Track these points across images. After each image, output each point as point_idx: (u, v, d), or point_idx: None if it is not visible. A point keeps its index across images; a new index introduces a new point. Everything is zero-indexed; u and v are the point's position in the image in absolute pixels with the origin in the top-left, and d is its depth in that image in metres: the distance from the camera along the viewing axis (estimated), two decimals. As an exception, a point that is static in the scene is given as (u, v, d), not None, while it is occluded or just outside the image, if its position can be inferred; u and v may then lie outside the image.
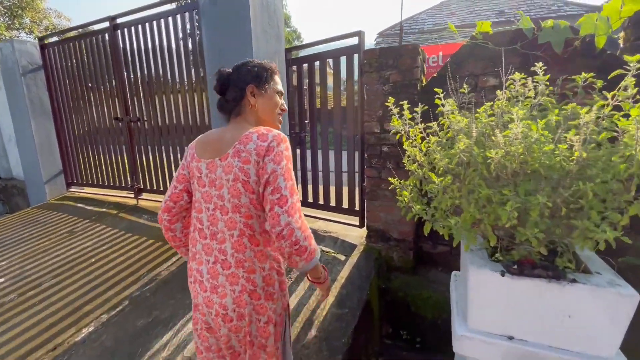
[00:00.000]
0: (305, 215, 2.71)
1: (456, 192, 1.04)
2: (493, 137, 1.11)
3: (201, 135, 1.07)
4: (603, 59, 1.85)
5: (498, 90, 1.28)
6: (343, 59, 2.67)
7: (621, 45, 1.91)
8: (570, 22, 1.86)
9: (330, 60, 2.77)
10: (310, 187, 3.20)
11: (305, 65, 3.04)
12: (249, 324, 0.97)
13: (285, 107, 1.12)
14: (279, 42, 2.81)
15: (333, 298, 2.08)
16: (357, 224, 2.84)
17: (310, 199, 3.21)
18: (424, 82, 2.37)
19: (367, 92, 2.42)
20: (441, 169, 1.16)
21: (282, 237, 0.86)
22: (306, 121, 3.20)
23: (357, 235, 2.83)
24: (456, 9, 12.13)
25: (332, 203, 3.03)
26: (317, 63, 2.89)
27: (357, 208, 2.82)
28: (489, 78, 2.16)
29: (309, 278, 1.05)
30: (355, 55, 2.62)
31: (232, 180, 0.92)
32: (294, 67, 3.09)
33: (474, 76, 2.24)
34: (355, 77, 2.69)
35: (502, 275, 1.06)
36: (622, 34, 1.90)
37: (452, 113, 1.25)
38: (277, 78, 1.08)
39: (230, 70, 1.07)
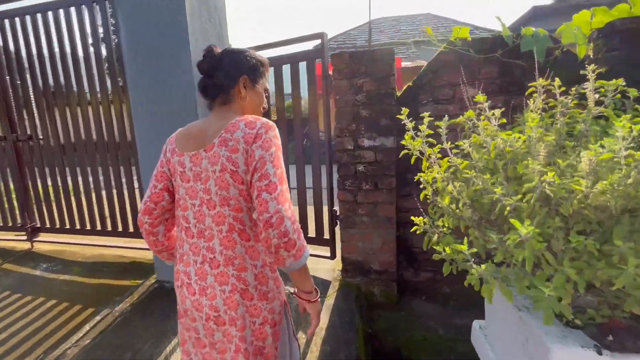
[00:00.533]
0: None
1: (538, 243, 0.72)
2: (560, 160, 0.82)
3: (181, 128, 1.02)
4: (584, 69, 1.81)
5: (561, 98, 1.02)
6: (303, 65, 2.30)
7: (591, 57, 1.89)
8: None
9: (288, 66, 2.38)
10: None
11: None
12: (242, 329, 0.90)
13: (267, 106, 1.07)
14: (222, 43, 2.33)
15: (316, 360, 1.64)
16: (328, 255, 2.44)
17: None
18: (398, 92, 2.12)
19: (337, 102, 2.07)
20: (496, 208, 0.84)
21: (270, 226, 0.79)
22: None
23: (328, 268, 2.43)
24: (384, 28, 12.80)
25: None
26: (271, 69, 2.46)
27: (327, 237, 2.43)
28: (468, 88, 2.00)
29: (297, 293, 0.94)
30: (317, 60, 2.27)
31: (219, 171, 0.87)
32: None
33: (451, 86, 2.06)
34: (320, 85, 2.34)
35: (599, 353, 0.76)
36: (591, 45, 1.88)
37: (492, 125, 0.95)
38: (267, 75, 1.05)
39: (227, 49, 1.00)
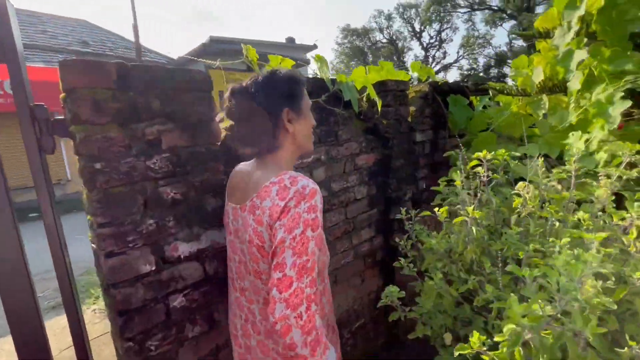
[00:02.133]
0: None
1: None
2: None
3: (235, 167, 0.96)
4: (374, 121, 1.88)
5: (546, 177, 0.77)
6: None
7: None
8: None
9: None
10: None
11: None
12: None
13: (314, 122, 0.94)
14: None
15: None
16: None
17: None
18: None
19: (91, 175, 0.87)
20: None
21: (275, 332, 0.71)
22: None
23: None
24: (21, 24, 9.05)
25: None
26: None
27: None
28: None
29: None
30: None
31: (247, 242, 0.80)
32: None
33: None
34: None
35: None
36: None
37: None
38: (305, 89, 0.89)
39: (248, 85, 0.81)
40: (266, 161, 0.84)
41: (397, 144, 1.93)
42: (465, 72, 26.12)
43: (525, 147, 1.95)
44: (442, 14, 24.84)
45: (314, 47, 14.00)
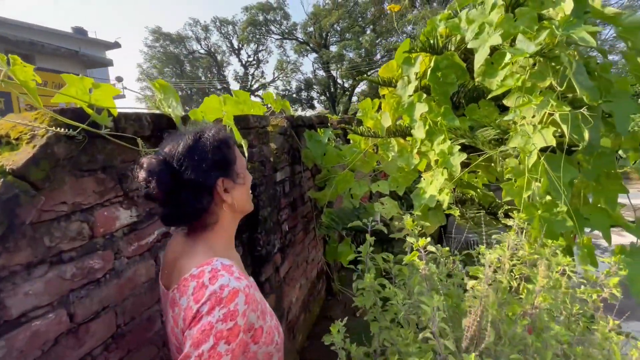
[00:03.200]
0: None
1: None
2: None
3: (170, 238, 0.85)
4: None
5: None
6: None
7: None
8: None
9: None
10: None
11: None
12: None
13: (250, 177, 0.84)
14: None
15: None
16: None
17: None
18: None
19: None
20: None
21: None
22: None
23: None
24: None
25: None
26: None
27: None
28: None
29: None
30: None
31: (169, 334, 0.73)
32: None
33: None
34: None
35: None
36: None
37: None
38: (236, 150, 0.80)
39: (167, 157, 0.70)
40: (196, 238, 0.75)
41: (264, 190, 1.63)
42: (281, 93, 28.61)
43: (377, 184, 2.06)
44: (257, 36, 26.28)
45: (117, 45, 11.64)
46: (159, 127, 1.03)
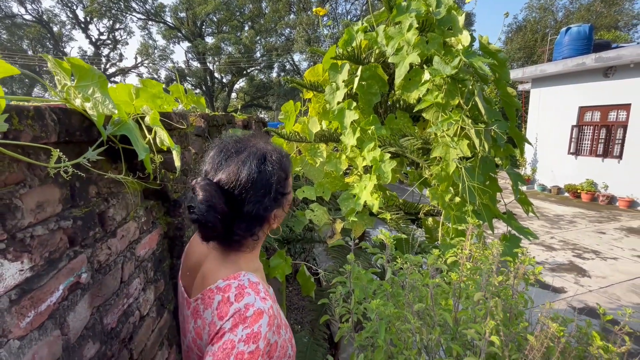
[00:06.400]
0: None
1: None
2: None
3: (194, 235, 0.84)
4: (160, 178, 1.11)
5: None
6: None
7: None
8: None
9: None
10: None
11: None
12: None
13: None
14: None
15: None
16: None
17: None
18: None
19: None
20: None
21: None
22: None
23: None
24: None
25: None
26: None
27: None
28: None
29: None
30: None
31: (189, 342, 0.72)
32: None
33: None
34: None
35: None
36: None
37: None
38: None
39: (227, 182, 0.67)
40: (222, 254, 0.72)
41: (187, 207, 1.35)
42: (147, 81, 24.99)
43: (302, 189, 2.02)
44: (114, 11, 22.13)
45: None
46: (68, 129, 0.70)
